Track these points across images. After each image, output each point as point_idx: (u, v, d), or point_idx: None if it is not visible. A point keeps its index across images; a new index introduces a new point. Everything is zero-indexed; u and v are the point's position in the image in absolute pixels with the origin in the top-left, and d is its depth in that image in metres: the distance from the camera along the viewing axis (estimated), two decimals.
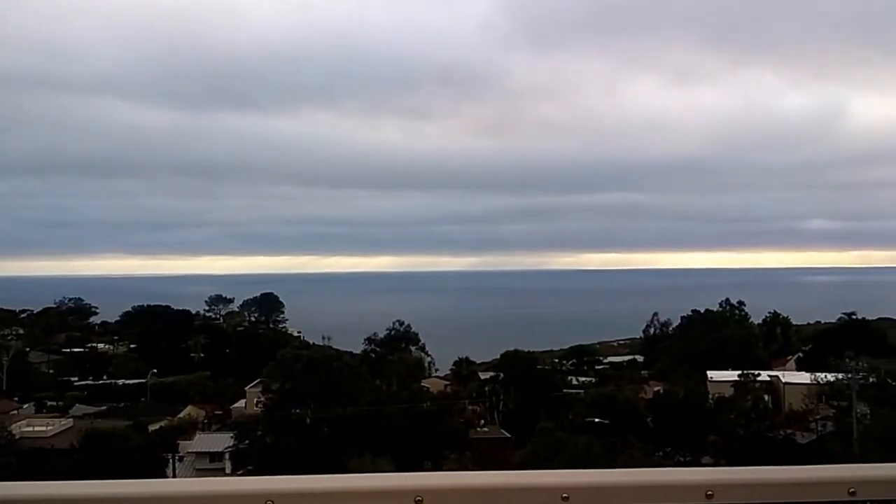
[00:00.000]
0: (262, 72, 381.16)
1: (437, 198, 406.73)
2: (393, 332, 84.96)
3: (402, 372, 65.29)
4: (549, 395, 62.10)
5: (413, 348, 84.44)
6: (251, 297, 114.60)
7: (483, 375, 73.15)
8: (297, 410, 50.71)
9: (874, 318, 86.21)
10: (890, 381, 54.49)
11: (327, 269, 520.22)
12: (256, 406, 57.66)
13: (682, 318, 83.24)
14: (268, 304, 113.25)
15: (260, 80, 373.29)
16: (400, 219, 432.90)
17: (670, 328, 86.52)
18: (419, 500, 2.01)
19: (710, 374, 62.83)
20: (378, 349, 75.71)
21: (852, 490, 2.02)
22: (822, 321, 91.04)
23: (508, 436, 55.32)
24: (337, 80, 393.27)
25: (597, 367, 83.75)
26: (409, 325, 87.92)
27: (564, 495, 2.00)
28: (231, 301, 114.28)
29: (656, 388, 61.95)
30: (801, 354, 77.36)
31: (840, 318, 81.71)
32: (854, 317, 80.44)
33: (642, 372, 77.37)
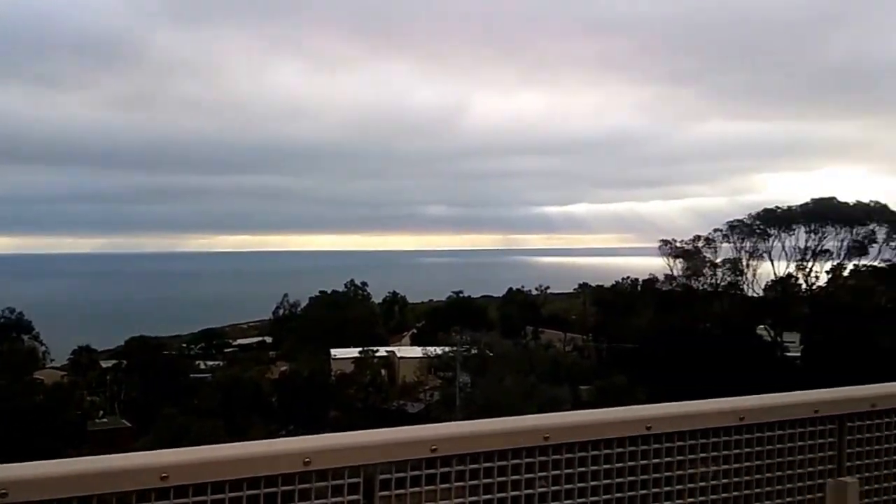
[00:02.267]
0: None
1: (62, 173, 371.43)
2: (2, 321, 77.35)
3: (15, 363, 59.97)
4: (175, 380, 60.91)
5: (25, 337, 77.55)
6: None
7: (105, 364, 69.54)
8: None
9: (478, 296, 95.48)
10: (488, 352, 61.24)
11: None
12: None
13: (310, 299, 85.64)
14: None
15: None
16: (15, 196, 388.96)
17: (299, 309, 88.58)
18: (165, 476, 2.03)
19: (333, 352, 65.44)
20: None
21: (434, 447, 2.31)
22: (435, 299, 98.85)
23: (129, 425, 53.50)
24: None
25: (226, 351, 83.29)
26: (21, 313, 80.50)
27: (164, 475, 2.04)
28: None
29: (283, 369, 63.33)
30: (415, 330, 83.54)
31: (449, 297, 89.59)
32: (461, 295, 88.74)
33: (270, 353, 78.53)
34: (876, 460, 3.04)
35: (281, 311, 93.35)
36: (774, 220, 70.93)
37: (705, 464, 2.71)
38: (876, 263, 69.48)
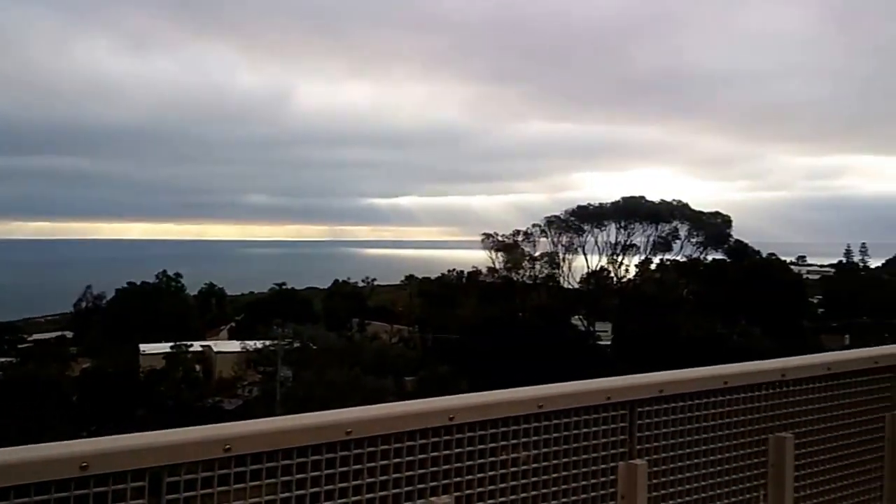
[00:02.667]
0: None
1: None
2: None
3: None
4: None
5: None
6: None
7: None
8: None
9: (303, 287, 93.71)
10: (311, 345, 59.98)
11: None
12: None
13: (117, 290, 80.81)
14: None
15: None
16: None
17: (104, 301, 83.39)
18: None
19: (142, 347, 61.94)
20: None
21: (227, 447, 2.21)
22: (256, 291, 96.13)
23: None
24: None
25: (20, 347, 76.91)
26: None
27: None
28: None
29: (85, 366, 59.38)
30: (233, 324, 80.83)
31: (271, 289, 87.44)
32: (284, 287, 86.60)
33: (71, 349, 73.44)
34: (664, 443, 3.22)
35: (83, 304, 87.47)
36: (587, 217, 74.47)
37: (507, 451, 2.79)
38: (678, 258, 74.37)
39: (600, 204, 75.38)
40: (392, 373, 55.62)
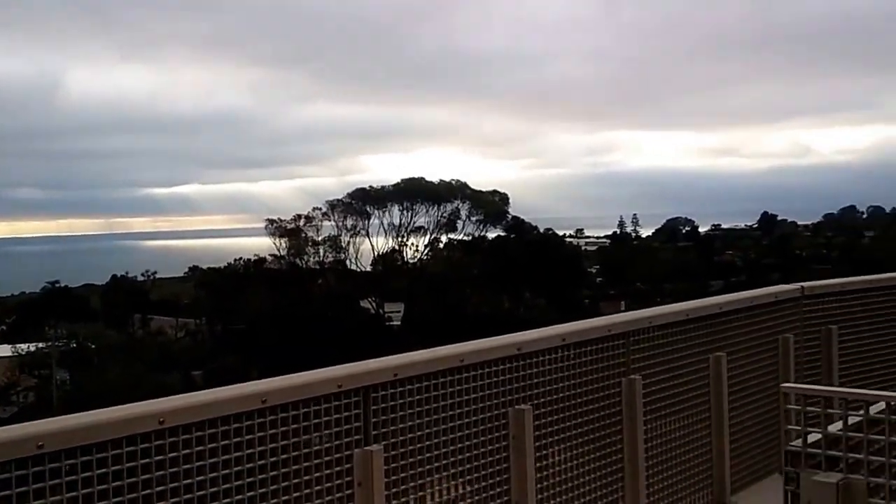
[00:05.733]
0: None
1: None
2: None
3: None
4: None
5: None
6: None
7: None
8: None
9: (78, 285, 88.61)
10: (90, 344, 57.42)
11: None
12: None
13: None
14: None
15: None
16: None
17: None
18: None
19: None
20: None
21: (41, 443, 2.19)
22: (27, 292, 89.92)
23: None
24: None
25: None
26: None
27: None
28: None
29: None
30: (4, 327, 75.50)
31: (44, 288, 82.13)
32: (57, 285, 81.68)
33: None
34: (401, 426, 3.24)
35: None
36: (369, 199, 74.65)
37: (229, 451, 2.74)
38: (462, 237, 76.61)
39: (381, 186, 75.80)
40: (179, 368, 54.43)
